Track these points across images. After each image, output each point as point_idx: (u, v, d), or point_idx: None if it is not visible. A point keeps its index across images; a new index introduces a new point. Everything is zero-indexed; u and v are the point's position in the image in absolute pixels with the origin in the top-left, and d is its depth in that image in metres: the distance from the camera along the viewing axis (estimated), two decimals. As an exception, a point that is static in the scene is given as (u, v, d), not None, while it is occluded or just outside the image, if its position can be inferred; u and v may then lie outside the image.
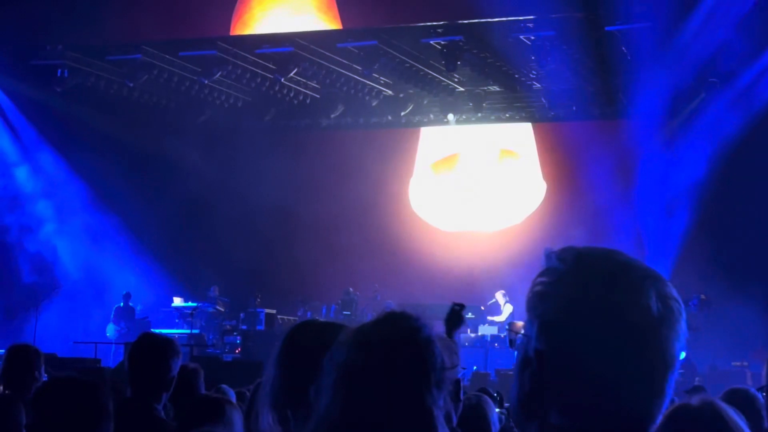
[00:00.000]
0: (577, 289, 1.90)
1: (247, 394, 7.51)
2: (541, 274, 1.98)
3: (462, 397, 4.32)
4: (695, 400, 2.61)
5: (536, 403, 1.93)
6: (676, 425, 2.56)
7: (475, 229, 25.84)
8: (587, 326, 1.87)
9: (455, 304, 4.57)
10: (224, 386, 7.51)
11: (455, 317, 5.16)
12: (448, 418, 2.69)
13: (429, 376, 2.61)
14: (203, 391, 6.62)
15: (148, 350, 4.96)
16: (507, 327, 20.68)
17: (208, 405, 4.34)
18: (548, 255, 1.98)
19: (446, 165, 26.72)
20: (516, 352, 2.04)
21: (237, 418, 4.36)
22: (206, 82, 23.08)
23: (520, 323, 2.07)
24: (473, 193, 26.01)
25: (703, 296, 19.73)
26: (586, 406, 1.88)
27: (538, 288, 1.97)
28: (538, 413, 1.93)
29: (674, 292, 1.93)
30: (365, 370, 2.60)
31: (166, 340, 5.13)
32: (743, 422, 2.57)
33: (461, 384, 2.90)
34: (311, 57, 22.02)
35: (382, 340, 2.64)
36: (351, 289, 24.02)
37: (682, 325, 1.91)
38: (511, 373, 19.52)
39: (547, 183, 24.20)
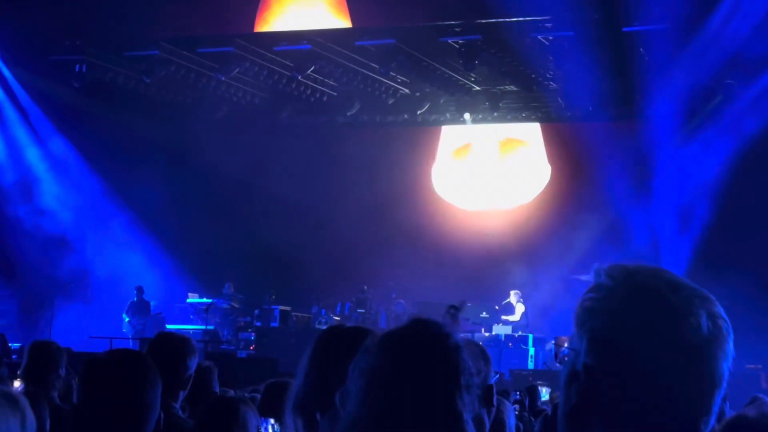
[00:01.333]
0: (628, 305, 1.91)
1: (257, 396, 7.51)
2: (590, 290, 1.99)
3: (495, 402, 4.34)
4: (752, 411, 2.62)
5: (582, 418, 1.95)
6: None
7: (491, 207, 25.83)
8: (637, 343, 1.88)
9: (450, 307, 4.58)
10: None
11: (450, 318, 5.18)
12: (479, 423, 2.72)
13: (458, 381, 2.64)
14: (217, 389, 6.64)
15: (165, 349, 4.96)
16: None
17: (223, 405, 4.36)
18: (597, 271, 1.99)
19: (463, 152, 26.73)
20: (562, 366, 2.06)
21: (252, 418, 4.38)
22: (223, 78, 23.13)
23: (565, 337, 2.09)
24: (487, 176, 26.10)
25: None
26: (633, 423, 1.89)
27: (587, 303, 1.98)
28: (584, 427, 1.95)
29: (722, 312, 1.94)
30: (395, 377, 2.63)
31: (183, 338, 5.13)
32: None
33: (494, 389, 2.93)
34: (329, 55, 22.05)
35: (412, 347, 2.67)
36: (365, 287, 24.04)
37: (730, 345, 1.93)
38: (524, 372, 19.54)
39: (562, 179, 24.12)
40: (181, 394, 4.94)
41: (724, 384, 1.93)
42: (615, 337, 1.91)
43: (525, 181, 25.84)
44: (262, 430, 5.06)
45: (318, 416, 3.10)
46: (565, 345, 2.02)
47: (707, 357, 1.88)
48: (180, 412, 4.95)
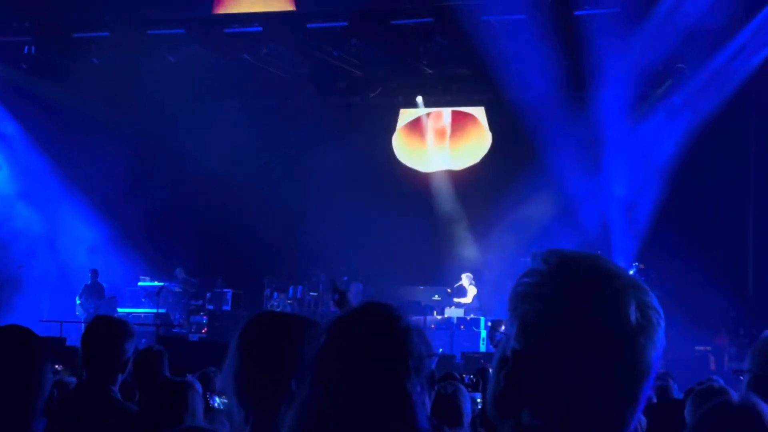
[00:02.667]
0: (558, 292, 1.90)
1: (212, 375, 7.54)
2: (524, 275, 1.97)
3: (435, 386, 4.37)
4: (737, 399, 2.63)
5: (510, 403, 1.94)
6: (720, 423, 2.58)
7: (446, 167, 25.82)
8: (565, 330, 1.87)
9: (334, 291, 4.65)
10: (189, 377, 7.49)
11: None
12: (422, 405, 2.73)
13: (407, 363, 2.66)
14: (167, 374, 6.62)
15: (102, 333, 4.94)
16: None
17: (171, 390, 4.34)
18: (534, 255, 1.98)
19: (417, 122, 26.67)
20: (495, 350, 2.06)
21: (199, 402, 4.37)
22: (173, 60, 22.98)
23: (502, 321, 2.10)
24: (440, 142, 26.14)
25: (641, 265, 19.75)
26: (558, 410, 1.88)
27: (520, 288, 1.96)
28: (512, 413, 1.93)
29: (655, 303, 1.93)
30: (345, 360, 2.64)
31: (120, 322, 5.13)
32: None
33: (433, 371, 2.94)
34: (280, 37, 21.97)
35: (362, 330, 2.68)
36: (318, 271, 24.01)
37: (660, 335, 1.92)
38: (476, 356, 19.61)
39: (513, 162, 24.12)
40: (120, 377, 4.91)
41: (652, 374, 1.92)
42: (544, 323, 1.89)
43: (474, 146, 25.78)
44: (212, 404, 5.08)
45: (248, 400, 3.10)
46: (501, 329, 2.02)
47: (635, 347, 1.87)
48: (119, 395, 4.92)
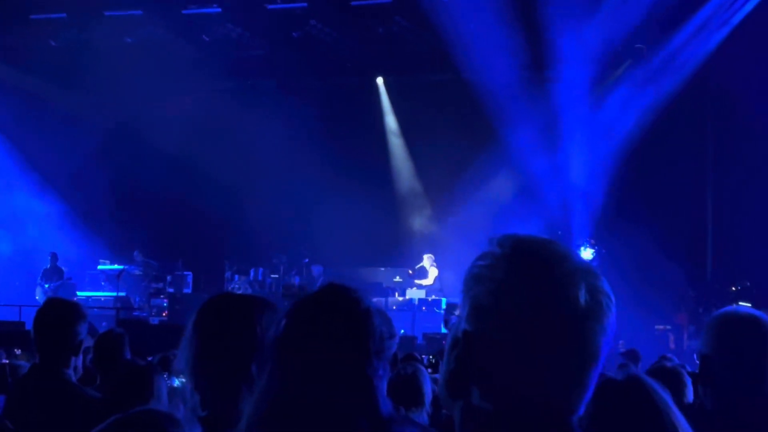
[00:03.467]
0: (509, 275, 1.90)
1: (172, 358, 7.50)
2: (479, 257, 1.98)
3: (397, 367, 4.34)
4: (621, 375, 2.61)
5: (459, 384, 1.94)
6: (603, 401, 2.57)
7: None
8: (514, 313, 1.87)
9: (286, 288, 4.69)
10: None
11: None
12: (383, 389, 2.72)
13: (368, 346, 2.64)
14: (129, 356, 6.58)
15: (54, 316, 4.91)
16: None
17: (134, 374, 4.32)
18: (491, 239, 1.98)
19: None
20: (449, 332, 2.05)
21: (163, 385, 4.35)
22: (131, 41, 22.82)
23: (456, 304, 2.09)
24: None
25: (592, 241, 19.82)
26: (506, 392, 1.88)
27: (474, 270, 1.96)
28: (461, 394, 1.93)
29: (606, 287, 1.93)
30: (304, 344, 2.63)
31: (72, 304, 5.10)
32: (668, 394, 2.57)
33: (395, 353, 2.93)
34: (240, 18, 21.85)
35: (322, 313, 2.67)
36: (278, 253, 23.96)
37: (611, 320, 1.91)
38: (437, 336, 19.65)
39: (473, 141, 24.13)
40: (73, 360, 4.88)
41: (601, 359, 1.91)
42: (494, 305, 1.89)
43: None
44: (171, 383, 5.07)
45: (204, 383, 3.08)
46: (456, 312, 2.01)
47: (583, 331, 1.87)
48: (73, 378, 4.89)
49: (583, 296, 1.87)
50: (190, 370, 3.10)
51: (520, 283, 1.88)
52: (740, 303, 17.94)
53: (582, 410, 1.94)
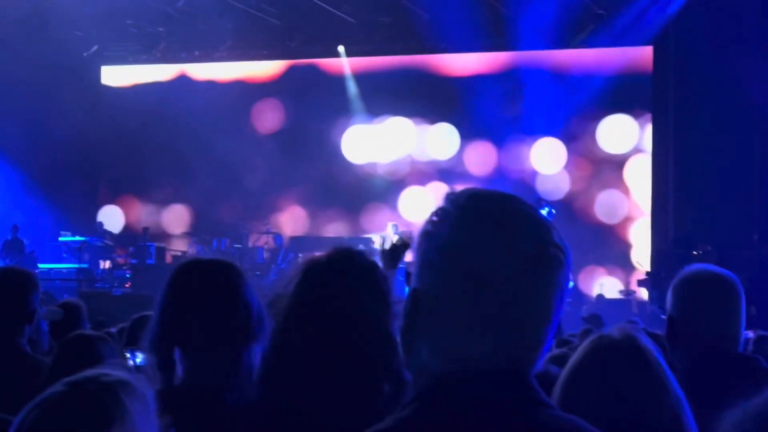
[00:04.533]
0: (456, 230, 1.84)
1: (132, 327, 7.41)
2: (432, 213, 1.92)
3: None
4: (617, 332, 2.61)
5: (408, 339, 1.89)
6: (598, 356, 2.57)
7: None
8: (459, 268, 1.81)
9: (401, 238, 4.71)
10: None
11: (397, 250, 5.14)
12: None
13: (389, 307, 2.64)
14: (87, 327, 6.52)
15: (5, 285, 4.86)
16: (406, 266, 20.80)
17: (80, 342, 4.27)
18: (446, 195, 1.92)
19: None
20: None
21: (110, 354, 4.31)
22: (89, 11, 22.57)
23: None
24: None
25: (542, 201, 19.86)
26: (454, 349, 1.82)
27: (425, 227, 1.91)
28: (413, 351, 1.88)
29: (558, 240, 1.86)
30: (327, 305, 2.61)
31: (24, 273, 5.05)
32: (660, 353, 2.59)
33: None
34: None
35: (345, 275, 2.65)
36: (241, 223, 23.88)
37: (563, 274, 1.84)
38: (401, 301, 19.66)
39: (434, 112, 24.15)
40: (27, 329, 4.83)
41: (554, 315, 1.84)
42: (439, 262, 1.84)
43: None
44: (131, 360, 5.00)
45: (177, 353, 3.01)
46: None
47: (532, 285, 1.81)
48: (27, 347, 4.84)
49: (532, 249, 1.81)
50: (161, 343, 3.03)
51: (465, 237, 1.82)
52: (702, 267, 18.02)
53: (540, 367, 1.89)
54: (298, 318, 2.67)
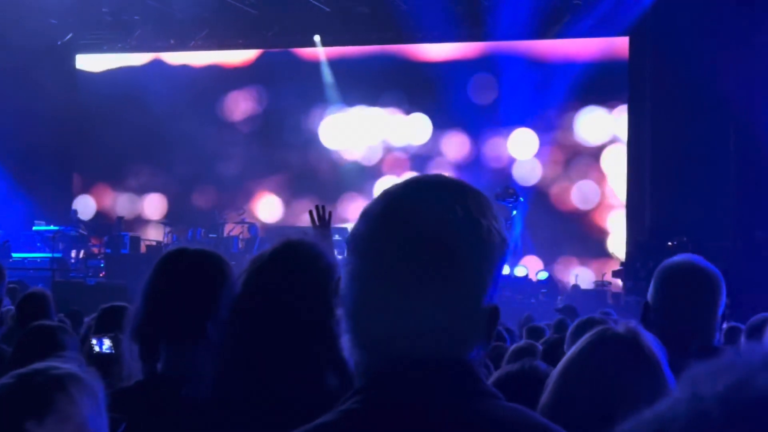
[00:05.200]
0: (375, 207, 1.80)
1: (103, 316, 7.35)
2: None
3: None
4: (621, 326, 2.59)
5: (347, 336, 1.83)
6: (599, 349, 2.55)
7: None
8: (354, 260, 1.77)
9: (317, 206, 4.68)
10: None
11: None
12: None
13: (331, 300, 2.62)
14: (54, 317, 6.47)
15: None
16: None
17: (40, 333, 4.24)
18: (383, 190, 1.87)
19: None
20: None
21: (71, 343, 4.28)
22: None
23: None
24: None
25: (510, 189, 19.87)
26: (374, 341, 1.77)
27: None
28: (350, 346, 1.82)
29: (483, 208, 1.78)
30: (267, 299, 2.60)
31: None
32: (662, 351, 2.57)
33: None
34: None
35: (283, 270, 2.65)
36: (216, 212, 23.85)
37: (492, 247, 1.76)
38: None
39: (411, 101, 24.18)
40: None
41: (489, 289, 1.76)
42: (352, 246, 1.79)
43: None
44: (97, 347, 4.95)
45: (161, 345, 2.97)
46: None
47: (429, 269, 1.72)
48: None
49: (425, 233, 1.73)
50: (145, 331, 2.98)
51: (359, 228, 1.78)
52: (678, 258, 18.07)
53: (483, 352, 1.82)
54: (243, 312, 2.67)
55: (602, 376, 2.48)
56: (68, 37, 25.14)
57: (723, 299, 3.68)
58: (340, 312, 1.83)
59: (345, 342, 1.82)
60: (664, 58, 20.37)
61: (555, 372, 2.53)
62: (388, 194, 1.80)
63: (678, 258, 3.77)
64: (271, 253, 2.75)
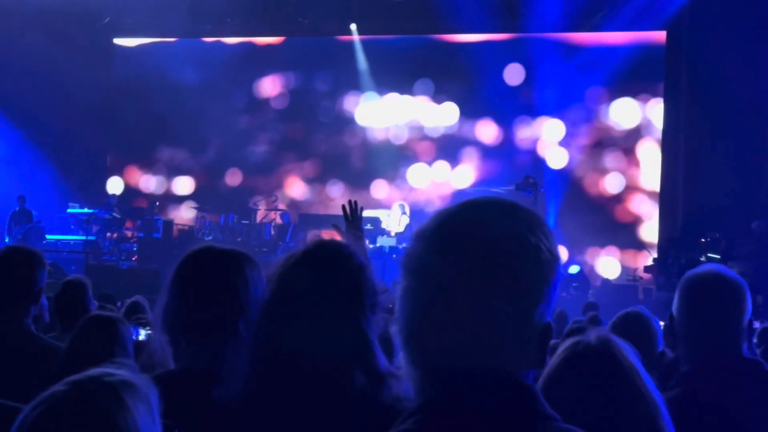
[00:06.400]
0: (429, 227, 1.87)
1: (140, 304, 7.43)
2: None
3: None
4: (593, 338, 2.60)
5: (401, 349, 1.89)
6: (572, 363, 2.57)
7: None
8: (424, 268, 1.84)
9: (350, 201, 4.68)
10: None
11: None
12: (386, 341, 2.75)
13: (363, 301, 2.64)
14: (92, 305, 6.49)
15: (12, 264, 4.82)
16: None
17: (100, 323, 4.26)
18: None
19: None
20: None
21: (129, 335, 4.31)
22: None
23: None
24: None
25: (530, 179, 19.75)
26: (427, 357, 1.82)
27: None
28: (405, 360, 1.88)
29: (533, 226, 1.84)
30: (299, 299, 2.62)
31: (31, 252, 4.97)
32: (636, 357, 2.57)
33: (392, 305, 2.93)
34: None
35: (315, 270, 2.66)
36: (249, 198, 23.89)
37: (542, 263, 1.82)
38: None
39: (449, 95, 24.13)
40: (32, 309, 4.81)
41: (541, 305, 1.81)
42: (408, 260, 1.86)
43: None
44: (136, 336, 5.03)
45: (182, 338, 3.01)
46: None
47: (474, 287, 1.78)
48: (32, 327, 4.82)
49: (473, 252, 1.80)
50: (169, 323, 3.03)
51: (415, 248, 1.86)
52: (709, 255, 18.01)
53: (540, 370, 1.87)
54: (274, 312, 2.68)
55: (578, 389, 2.49)
56: (106, 20, 25.19)
57: (748, 308, 3.69)
58: (394, 329, 1.88)
59: (400, 359, 1.86)
60: (700, 53, 20.24)
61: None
62: (441, 215, 1.86)
63: (701, 269, 3.78)
64: (303, 252, 2.77)
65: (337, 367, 2.63)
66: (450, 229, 1.82)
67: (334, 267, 2.72)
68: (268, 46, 25.37)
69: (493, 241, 1.79)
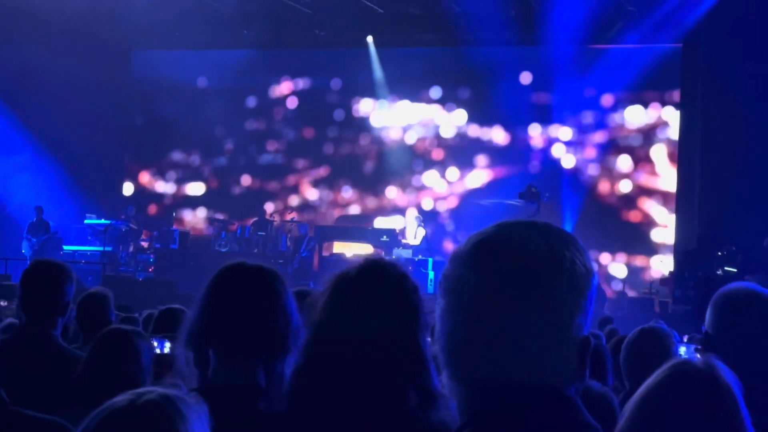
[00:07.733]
0: (464, 248, 1.91)
1: (158, 314, 7.44)
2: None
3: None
4: (699, 362, 2.57)
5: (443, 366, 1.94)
6: (675, 385, 2.54)
7: None
8: (461, 286, 1.88)
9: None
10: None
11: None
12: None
13: (419, 320, 2.67)
14: (113, 317, 6.53)
15: (41, 277, 4.87)
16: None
17: (116, 337, 4.29)
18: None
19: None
20: None
21: (145, 348, 4.32)
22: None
23: None
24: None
25: (533, 188, 19.72)
26: (463, 375, 1.87)
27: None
28: (447, 377, 1.93)
29: (566, 242, 1.89)
30: (356, 318, 2.64)
31: (59, 265, 5.04)
32: (740, 390, 2.53)
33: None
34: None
35: (373, 289, 2.67)
36: (265, 210, 23.92)
37: (576, 277, 1.85)
38: (425, 297, 19.63)
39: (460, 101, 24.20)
40: (60, 321, 4.85)
41: (577, 318, 1.85)
42: (446, 280, 1.91)
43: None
44: (158, 348, 5.04)
45: (211, 352, 3.05)
46: None
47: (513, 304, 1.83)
48: (61, 339, 4.86)
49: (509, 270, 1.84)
50: (203, 339, 3.06)
51: (453, 270, 1.90)
52: (726, 268, 17.96)
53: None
54: (327, 332, 2.70)
55: (678, 412, 2.46)
56: (123, 34, 25.28)
57: None
58: (435, 348, 1.92)
59: (444, 378, 1.91)
60: (716, 66, 20.23)
61: (631, 402, 2.51)
62: (476, 236, 1.91)
63: (734, 286, 3.79)
64: (357, 273, 2.79)
65: (393, 387, 2.64)
66: (485, 249, 1.87)
67: (392, 286, 2.74)
68: (282, 51, 25.45)
69: (528, 257, 1.84)
